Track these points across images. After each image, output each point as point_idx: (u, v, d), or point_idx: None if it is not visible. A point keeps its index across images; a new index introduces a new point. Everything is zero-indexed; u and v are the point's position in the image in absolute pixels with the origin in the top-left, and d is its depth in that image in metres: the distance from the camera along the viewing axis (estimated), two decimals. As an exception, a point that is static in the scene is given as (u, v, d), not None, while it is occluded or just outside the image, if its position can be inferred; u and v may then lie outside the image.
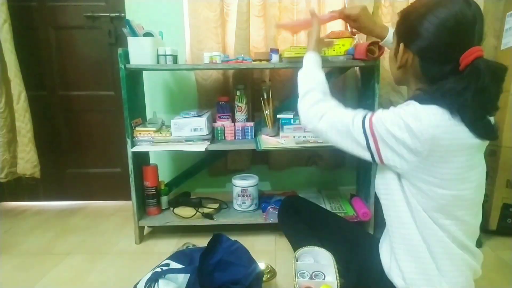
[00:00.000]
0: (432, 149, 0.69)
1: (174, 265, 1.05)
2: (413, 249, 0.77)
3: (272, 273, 1.27)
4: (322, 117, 0.86)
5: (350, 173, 1.92)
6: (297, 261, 0.99)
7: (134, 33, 1.43)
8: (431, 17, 0.73)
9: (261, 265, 1.24)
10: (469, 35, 0.71)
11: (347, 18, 1.20)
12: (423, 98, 0.72)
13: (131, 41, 1.42)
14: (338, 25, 1.70)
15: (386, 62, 1.70)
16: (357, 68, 1.77)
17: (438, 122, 0.68)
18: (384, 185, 0.81)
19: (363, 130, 0.76)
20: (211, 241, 1.14)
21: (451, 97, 0.69)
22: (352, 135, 0.79)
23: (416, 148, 0.69)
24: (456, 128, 0.69)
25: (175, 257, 1.10)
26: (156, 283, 0.98)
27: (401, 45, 0.79)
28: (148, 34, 1.46)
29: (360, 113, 0.80)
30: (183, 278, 0.99)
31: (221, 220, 1.57)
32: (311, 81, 0.97)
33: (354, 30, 1.29)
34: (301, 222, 1.13)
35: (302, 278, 0.94)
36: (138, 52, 1.42)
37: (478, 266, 0.79)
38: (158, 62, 1.46)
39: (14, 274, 1.33)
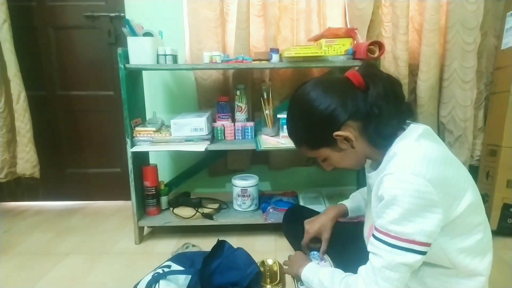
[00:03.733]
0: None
1: (175, 267, 1.06)
2: None
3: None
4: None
5: (350, 173, 1.92)
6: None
7: (134, 33, 1.42)
8: (315, 104, 0.79)
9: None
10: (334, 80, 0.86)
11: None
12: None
13: (131, 41, 1.42)
14: (336, 23, 1.70)
15: (386, 62, 1.70)
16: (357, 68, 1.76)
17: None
18: None
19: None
20: (215, 246, 1.15)
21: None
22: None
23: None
24: None
25: (176, 259, 1.11)
26: (157, 284, 0.98)
27: (339, 132, 0.78)
28: (148, 34, 1.46)
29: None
30: (183, 279, 1.00)
31: (221, 220, 1.57)
32: None
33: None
34: (303, 231, 1.12)
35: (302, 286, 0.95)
36: (138, 52, 1.42)
37: None
38: (158, 62, 1.46)
39: (14, 274, 1.33)
